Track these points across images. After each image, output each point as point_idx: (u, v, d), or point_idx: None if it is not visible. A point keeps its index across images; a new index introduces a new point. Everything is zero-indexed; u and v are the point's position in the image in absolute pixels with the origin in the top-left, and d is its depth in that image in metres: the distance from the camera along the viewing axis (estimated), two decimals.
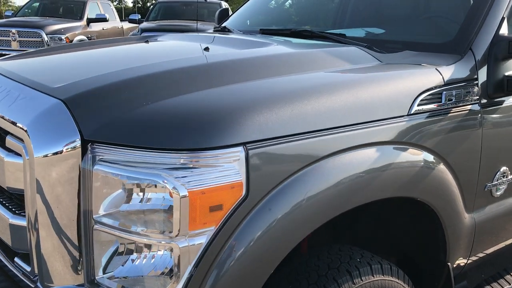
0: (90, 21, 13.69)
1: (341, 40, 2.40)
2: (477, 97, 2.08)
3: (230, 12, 4.17)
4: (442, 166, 1.96)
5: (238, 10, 3.62)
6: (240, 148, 1.44)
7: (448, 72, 2.02)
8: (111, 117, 1.49)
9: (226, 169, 1.43)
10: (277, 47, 2.20)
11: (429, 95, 1.90)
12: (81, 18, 13.97)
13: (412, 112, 1.84)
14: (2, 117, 1.64)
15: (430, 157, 1.91)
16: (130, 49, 2.45)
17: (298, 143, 1.54)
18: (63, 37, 13.08)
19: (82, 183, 1.48)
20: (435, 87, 1.93)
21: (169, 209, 1.39)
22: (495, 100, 2.17)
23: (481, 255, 2.37)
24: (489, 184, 2.22)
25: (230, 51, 2.16)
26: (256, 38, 2.53)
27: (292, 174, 1.53)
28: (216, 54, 2.10)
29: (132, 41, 2.72)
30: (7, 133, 1.62)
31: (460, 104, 2.01)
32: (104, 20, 13.85)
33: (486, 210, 2.27)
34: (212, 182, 1.41)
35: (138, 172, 1.42)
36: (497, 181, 2.25)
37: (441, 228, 2.04)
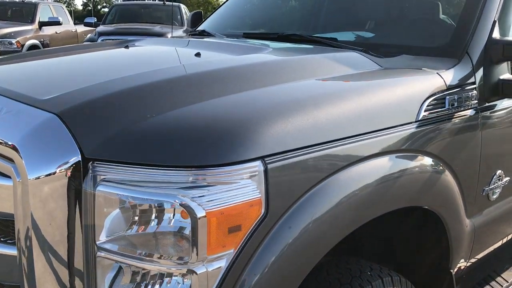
0: (42, 24, 13.20)
1: (334, 44, 2.33)
2: (476, 101, 2.06)
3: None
4: (447, 173, 1.92)
5: (216, 13, 3.50)
6: (258, 163, 1.34)
7: (449, 76, 1.98)
8: (113, 132, 1.35)
9: (244, 186, 1.32)
10: (274, 52, 2.10)
11: (433, 100, 1.86)
12: (32, 21, 13.45)
13: (419, 119, 1.79)
14: None
15: (437, 164, 1.86)
16: (114, 56, 2.29)
17: (315, 155, 1.45)
18: (13, 41, 12.55)
19: (83, 206, 1.33)
20: (439, 92, 1.89)
21: (186, 232, 1.27)
22: (491, 103, 2.15)
23: (476, 259, 2.36)
24: (486, 188, 2.20)
25: (226, 57, 2.04)
26: (248, 43, 2.42)
27: (310, 188, 1.44)
28: (213, 60, 1.97)
29: (110, 47, 2.56)
30: None
31: (462, 109, 1.98)
32: (58, 23, 13.39)
33: (483, 214, 2.26)
34: (230, 200, 1.30)
35: (148, 192, 1.29)
36: (494, 185, 2.24)
37: (445, 235, 2.00)
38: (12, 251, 1.46)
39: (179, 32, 10.83)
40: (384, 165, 1.64)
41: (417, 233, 2.09)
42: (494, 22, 2.22)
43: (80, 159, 1.31)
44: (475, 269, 2.40)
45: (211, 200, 1.28)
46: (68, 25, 15.43)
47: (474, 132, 2.04)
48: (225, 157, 1.30)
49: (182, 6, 12.47)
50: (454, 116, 1.94)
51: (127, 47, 2.48)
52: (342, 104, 1.59)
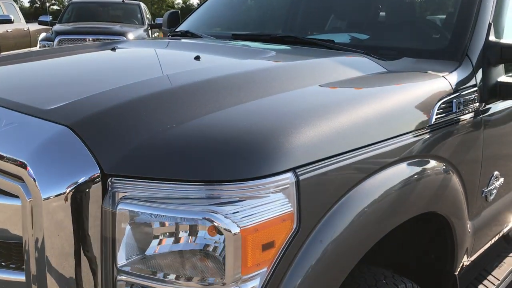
0: None
1: (333, 46, 2.28)
2: (478, 103, 2.06)
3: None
4: (455, 176, 1.91)
5: (197, 13, 3.37)
6: (290, 174, 1.26)
7: (453, 79, 1.97)
8: (134, 145, 1.25)
9: (276, 200, 1.24)
10: (279, 56, 2.03)
11: (442, 104, 1.84)
12: None
13: (432, 123, 1.76)
14: None
15: (447, 168, 1.85)
16: (109, 59, 2.15)
17: (342, 164, 1.39)
18: None
19: (103, 226, 1.22)
20: (446, 96, 1.88)
21: (218, 252, 1.18)
22: (490, 105, 2.17)
23: (472, 260, 2.38)
24: (485, 190, 2.22)
25: (232, 61, 1.93)
26: (249, 46, 2.32)
27: (339, 199, 1.38)
28: (221, 65, 1.86)
29: (97, 49, 2.41)
30: None
31: (466, 112, 1.98)
32: (9, 21, 12.80)
33: (481, 216, 2.27)
34: (263, 216, 1.22)
35: (175, 210, 1.19)
36: (491, 186, 2.26)
37: (451, 239, 2.00)
38: (16, 277, 1.32)
39: (140, 31, 10.56)
40: (404, 172, 1.61)
41: (424, 238, 2.08)
42: (490, 24, 2.23)
43: (100, 175, 1.20)
44: (470, 269, 2.42)
45: (245, 216, 1.19)
46: (20, 23, 14.80)
47: (477, 134, 2.05)
48: (256, 170, 1.22)
49: (142, 5, 12.17)
50: (460, 120, 1.93)
51: (114, 49, 2.34)
52: (363, 110, 1.54)
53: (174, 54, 2.19)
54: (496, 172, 2.27)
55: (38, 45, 10.47)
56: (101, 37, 9.67)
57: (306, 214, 1.29)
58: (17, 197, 1.25)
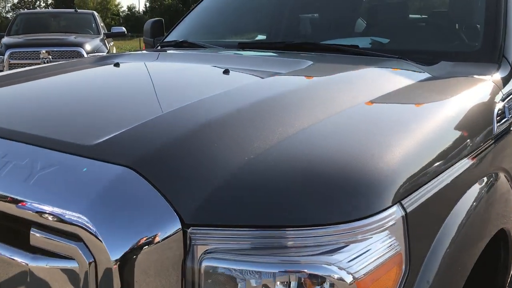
0: None
1: (359, 52, 2.12)
2: None
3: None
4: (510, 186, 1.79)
5: (188, 20, 3.11)
6: (396, 208, 1.08)
7: (500, 83, 1.85)
8: (214, 185, 1.02)
9: (382, 240, 1.05)
10: (319, 67, 1.84)
11: (498, 111, 1.71)
12: None
13: (496, 132, 1.63)
14: (13, 201, 1.06)
15: (509, 179, 1.72)
16: (128, 77, 1.88)
17: (438, 188, 1.22)
18: None
19: (184, 286, 0.99)
20: (500, 102, 1.75)
21: None
22: None
23: None
24: None
25: (269, 75, 1.70)
26: (279, 56, 2.10)
27: (438, 229, 1.21)
28: (261, 81, 1.62)
29: (95, 65, 2.14)
30: (29, 223, 1.04)
31: None
32: None
33: None
34: (373, 261, 1.02)
35: (275, 264, 0.98)
36: None
37: (507, 252, 1.87)
38: None
39: (97, 41, 10.10)
40: (481, 189, 1.46)
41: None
42: None
43: (181, 227, 0.97)
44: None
45: (356, 264, 1.00)
46: None
47: None
48: (365, 208, 1.02)
49: (96, 14, 11.66)
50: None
51: (117, 65, 2.07)
52: (438, 124, 1.38)
53: (197, 68, 1.95)
54: None
55: None
56: (55, 49, 9.17)
57: (415, 252, 1.11)
58: (69, 258, 1.00)
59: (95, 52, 9.46)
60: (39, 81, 1.81)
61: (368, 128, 1.28)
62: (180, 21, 3.17)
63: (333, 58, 2.04)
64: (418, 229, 1.13)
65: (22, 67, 9.08)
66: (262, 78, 1.67)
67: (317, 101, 1.39)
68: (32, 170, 1.09)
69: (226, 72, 1.76)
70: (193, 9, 3.21)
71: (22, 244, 1.06)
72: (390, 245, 1.06)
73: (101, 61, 2.25)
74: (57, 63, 2.18)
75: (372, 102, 1.44)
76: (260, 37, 3.03)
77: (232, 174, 1.05)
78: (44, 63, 9.00)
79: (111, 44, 11.79)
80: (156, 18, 3.53)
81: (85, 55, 9.11)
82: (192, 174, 1.03)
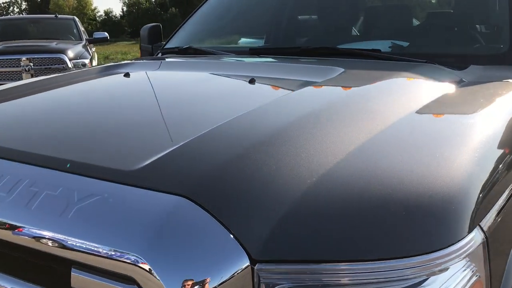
0: None
1: (382, 56, 2.02)
2: None
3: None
4: None
5: (189, 26, 2.98)
6: (476, 232, 0.98)
7: None
8: (282, 213, 0.91)
9: (463, 268, 0.95)
10: (352, 74, 1.73)
11: None
12: None
13: None
14: (49, 238, 0.93)
15: None
16: (146, 89, 1.73)
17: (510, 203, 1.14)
18: None
19: None
20: None
21: None
22: None
23: None
24: None
25: (303, 85, 1.58)
26: (303, 63, 1.98)
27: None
28: (296, 92, 1.50)
29: (103, 75, 1.99)
30: (70, 263, 0.92)
31: None
32: None
33: None
34: None
35: None
36: None
37: None
38: None
39: (79, 47, 9.85)
40: None
41: None
42: None
43: (249, 263, 0.86)
44: None
45: None
46: None
47: None
48: (447, 237, 0.92)
49: (76, 19, 11.39)
50: None
51: (127, 75, 1.94)
52: (498, 131, 1.29)
53: (221, 78, 1.82)
54: None
55: None
56: (36, 56, 8.91)
57: (495, 279, 1.02)
58: None
59: (78, 59, 9.24)
60: (49, 95, 1.66)
61: (427, 142, 1.18)
62: (180, 27, 3.05)
63: (360, 64, 1.94)
64: (496, 251, 1.03)
65: (1, 75, 8.81)
66: (298, 87, 1.55)
67: (366, 113, 1.28)
68: (68, 202, 0.96)
69: (252, 81, 1.64)
70: (192, 14, 3.09)
71: (61, 286, 0.93)
72: (472, 273, 0.96)
73: (112, 72, 2.11)
74: (55, 75, 2.03)
75: (421, 112, 1.34)
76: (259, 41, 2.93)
77: (300, 201, 0.93)
78: (26, 70, 8.74)
79: (93, 50, 11.54)
80: (153, 24, 3.39)
81: (68, 62, 8.87)
82: (256, 203, 0.92)
